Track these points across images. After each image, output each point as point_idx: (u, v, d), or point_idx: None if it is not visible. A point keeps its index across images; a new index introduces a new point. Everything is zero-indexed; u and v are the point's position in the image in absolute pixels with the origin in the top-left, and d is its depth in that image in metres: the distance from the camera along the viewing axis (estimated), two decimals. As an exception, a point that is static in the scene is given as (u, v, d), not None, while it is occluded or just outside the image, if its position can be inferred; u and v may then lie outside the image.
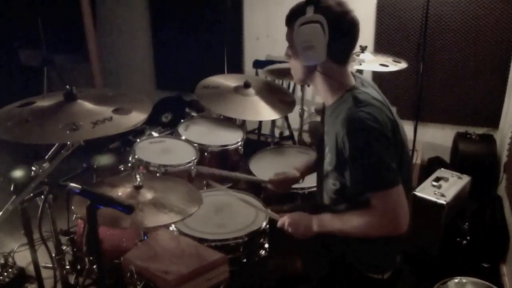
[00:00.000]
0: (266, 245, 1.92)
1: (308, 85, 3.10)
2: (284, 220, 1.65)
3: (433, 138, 3.51)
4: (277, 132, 3.91)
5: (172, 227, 1.86)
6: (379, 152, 1.35)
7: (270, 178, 1.98)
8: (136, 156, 2.30)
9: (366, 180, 1.37)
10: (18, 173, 1.71)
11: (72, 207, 1.71)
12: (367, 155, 1.35)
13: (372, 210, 1.38)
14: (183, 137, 2.52)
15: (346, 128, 1.38)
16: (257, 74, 3.73)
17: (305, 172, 1.97)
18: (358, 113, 1.37)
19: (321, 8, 1.39)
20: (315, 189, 2.10)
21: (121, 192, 1.76)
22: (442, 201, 2.41)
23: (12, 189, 1.59)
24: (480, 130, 3.27)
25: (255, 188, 2.25)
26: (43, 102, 1.62)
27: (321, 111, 1.69)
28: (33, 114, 1.53)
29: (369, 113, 1.36)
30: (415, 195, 2.44)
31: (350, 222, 1.46)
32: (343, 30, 1.42)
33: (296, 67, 1.55)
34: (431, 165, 3.18)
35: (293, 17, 1.44)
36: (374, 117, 1.36)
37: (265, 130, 3.81)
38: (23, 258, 2.47)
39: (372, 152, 1.35)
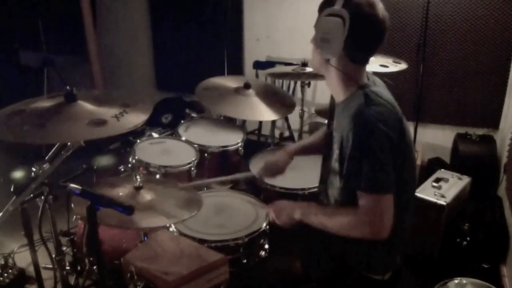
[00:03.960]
0: (266, 246, 1.92)
1: (309, 86, 3.12)
2: (269, 208, 1.67)
3: (433, 138, 3.51)
4: (277, 133, 3.91)
5: (172, 228, 1.86)
6: (379, 155, 1.34)
7: (258, 173, 2.01)
8: (136, 157, 2.30)
9: (361, 178, 1.35)
10: (18, 174, 1.72)
11: (72, 205, 1.71)
12: (367, 155, 1.34)
13: (359, 211, 1.37)
14: (183, 138, 2.52)
15: (353, 124, 1.37)
16: (257, 75, 3.73)
17: (294, 152, 1.99)
18: (368, 111, 1.36)
19: (350, 4, 1.36)
20: (315, 189, 2.11)
21: (121, 192, 1.76)
22: (442, 202, 2.41)
23: (12, 189, 1.59)
24: (480, 131, 3.27)
25: (255, 188, 2.25)
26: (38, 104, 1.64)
27: (330, 107, 1.68)
28: (43, 116, 1.55)
29: (379, 113, 1.36)
30: (415, 195, 2.43)
31: (333, 217, 1.44)
32: (365, 31, 1.38)
33: (314, 54, 1.53)
34: (431, 166, 3.18)
35: (324, 5, 1.43)
36: (383, 118, 1.35)
37: (265, 131, 3.82)
38: (23, 259, 2.47)
39: (373, 153, 1.34)
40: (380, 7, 1.39)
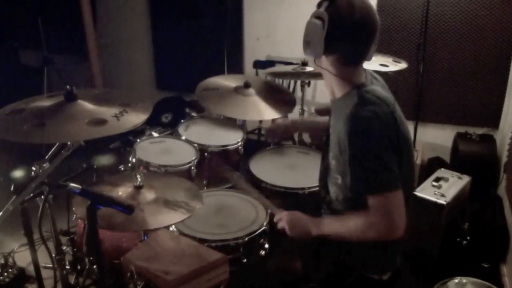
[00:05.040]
0: (266, 245, 1.92)
1: (309, 85, 3.12)
2: (281, 216, 1.65)
3: (433, 138, 3.51)
4: (277, 132, 3.90)
5: (172, 227, 1.86)
6: (380, 154, 1.34)
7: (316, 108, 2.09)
8: (136, 156, 2.30)
9: (365, 180, 1.36)
10: (18, 173, 1.71)
11: (73, 209, 1.72)
12: (368, 156, 1.34)
13: (369, 212, 1.37)
14: (183, 137, 2.52)
15: (348, 127, 1.37)
16: (257, 74, 3.72)
17: (298, 125, 2.22)
18: (362, 112, 1.36)
19: (331, 6, 1.38)
20: (315, 188, 2.11)
21: (122, 192, 1.76)
22: (442, 201, 2.41)
23: (12, 189, 1.59)
24: (480, 130, 3.27)
25: (255, 188, 2.25)
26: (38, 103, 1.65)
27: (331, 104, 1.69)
28: (43, 116, 1.56)
29: (373, 112, 1.36)
30: (415, 195, 2.43)
31: (347, 224, 1.45)
32: (345, 32, 1.39)
33: None
34: (431, 165, 3.18)
35: (316, 6, 1.44)
36: (378, 117, 1.35)
37: (265, 130, 3.82)
38: (23, 258, 2.47)
39: (373, 153, 1.34)
40: (363, 11, 1.38)
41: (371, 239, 1.40)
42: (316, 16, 1.40)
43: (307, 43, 1.45)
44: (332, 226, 1.51)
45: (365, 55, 1.46)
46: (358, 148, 1.36)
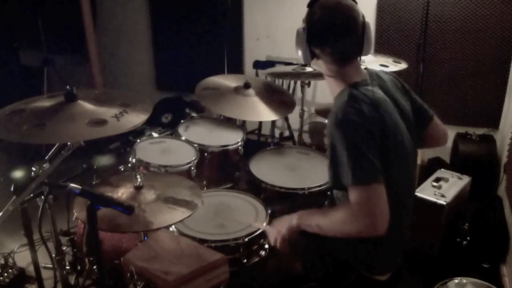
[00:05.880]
0: (266, 246, 1.92)
1: (309, 85, 3.12)
2: (273, 233, 1.64)
3: (433, 138, 3.50)
4: (277, 133, 3.91)
5: (172, 228, 1.86)
6: (359, 146, 1.33)
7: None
8: (136, 157, 2.30)
9: (345, 172, 1.34)
10: (18, 174, 1.71)
11: (74, 211, 1.72)
12: (347, 148, 1.33)
13: (347, 205, 1.35)
14: (183, 138, 2.52)
15: (331, 121, 1.40)
16: (257, 74, 3.73)
17: None
18: (346, 108, 1.38)
19: (309, 12, 1.46)
20: (315, 189, 2.12)
21: (122, 192, 1.76)
22: (442, 201, 2.41)
23: (12, 189, 1.59)
24: (480, 131, 3.27)
25: (255, 188, 2.25)
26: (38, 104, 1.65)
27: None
28: (43, 116, 1.57)
29: (356, 108, 1.37)
30: (415, 195, 2.43)
31: (328, 217, 1.44)
32: (320, 35, 1.45)
33: None
34: (431, 166, 3.18)
35: None
36: (360, 112, 1.36)
37: (265, 130, 3.82)
38: (23, 258, 2.47)
39: (351, 145, 1.33)
40: (334, 12, 1.43)
41: (351, 234, 1.36)
42: (302, 23, 1.48)
43: (297, 49, 1.52)
44: (314, 218, 1.49)
45: (351, 54, 1.48)
46: (337, 141, 1.36)
